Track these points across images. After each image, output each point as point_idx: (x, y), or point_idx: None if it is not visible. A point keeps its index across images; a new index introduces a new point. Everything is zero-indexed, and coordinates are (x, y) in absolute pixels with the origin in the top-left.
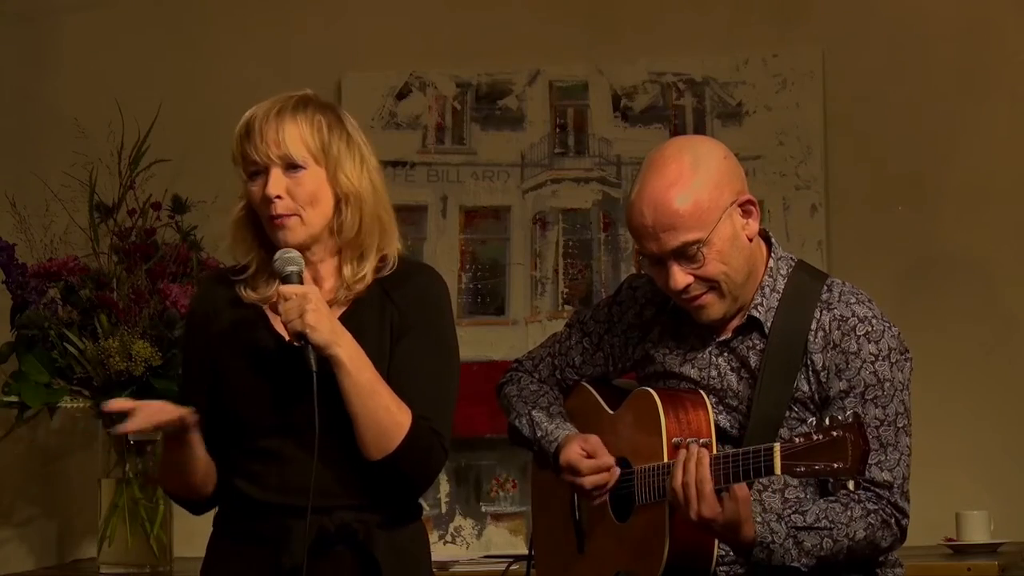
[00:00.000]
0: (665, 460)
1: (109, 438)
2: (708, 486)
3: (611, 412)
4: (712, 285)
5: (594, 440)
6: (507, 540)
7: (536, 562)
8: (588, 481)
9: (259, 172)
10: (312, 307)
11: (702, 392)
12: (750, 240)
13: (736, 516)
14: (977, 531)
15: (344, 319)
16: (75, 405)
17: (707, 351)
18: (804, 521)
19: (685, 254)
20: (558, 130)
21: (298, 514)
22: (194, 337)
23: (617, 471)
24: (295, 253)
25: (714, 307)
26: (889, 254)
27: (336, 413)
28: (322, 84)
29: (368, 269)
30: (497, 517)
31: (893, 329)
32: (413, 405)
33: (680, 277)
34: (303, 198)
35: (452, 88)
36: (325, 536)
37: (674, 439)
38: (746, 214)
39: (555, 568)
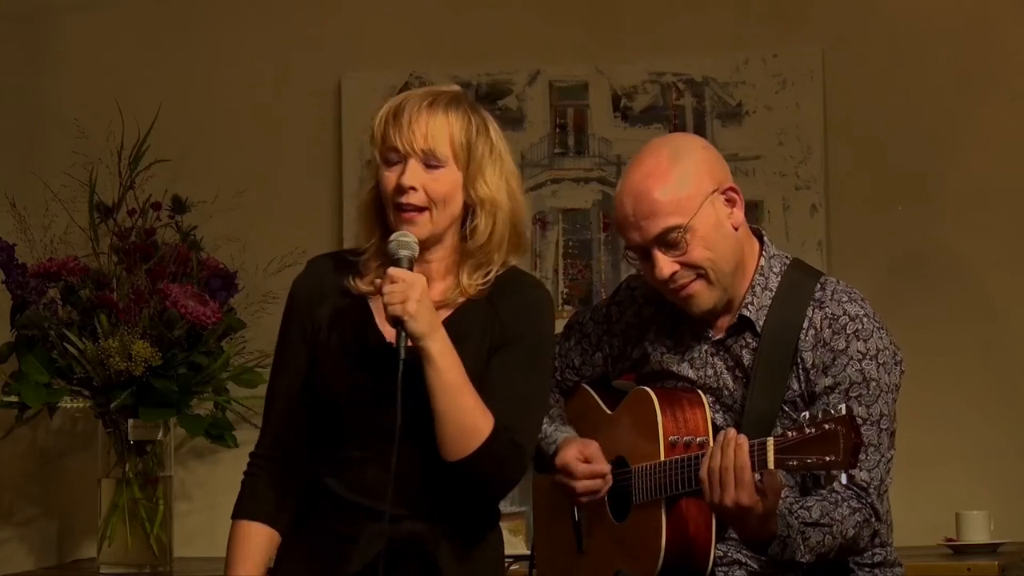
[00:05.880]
0: (662, 459)
1: (109, 438)
2: (748, 473)
3: (609, 412)
4: (699, 272)
5: (593, 446)
6: (507, 540)
7: (536, 562)
8: (580, 485)
9: (395, 160)
10: (416, 296)
11: (699, 391)
12: (736, 229)
13: (772, 507)
14: (977, 531)
15: (448, 322)
16: (75, 405)
17: (703, 350)
18: (810, 517)
19: (667, 241)
20: (558, 130)
21: (374, 517)
22: (295, 320)
23: (610, 480)
24: (412, 239)
25: (703, 296)
26: (889, 254)
27: (420, 419)
28: (322, 84)
29: (489, 279)
30: None
31: (884, 331)
32: (498, 415)
33: (665, 265)
34: (436, 195)
35: None
36: (396, 543)
37: (671, 437)
38: (730, 203)
39: (556, 568)
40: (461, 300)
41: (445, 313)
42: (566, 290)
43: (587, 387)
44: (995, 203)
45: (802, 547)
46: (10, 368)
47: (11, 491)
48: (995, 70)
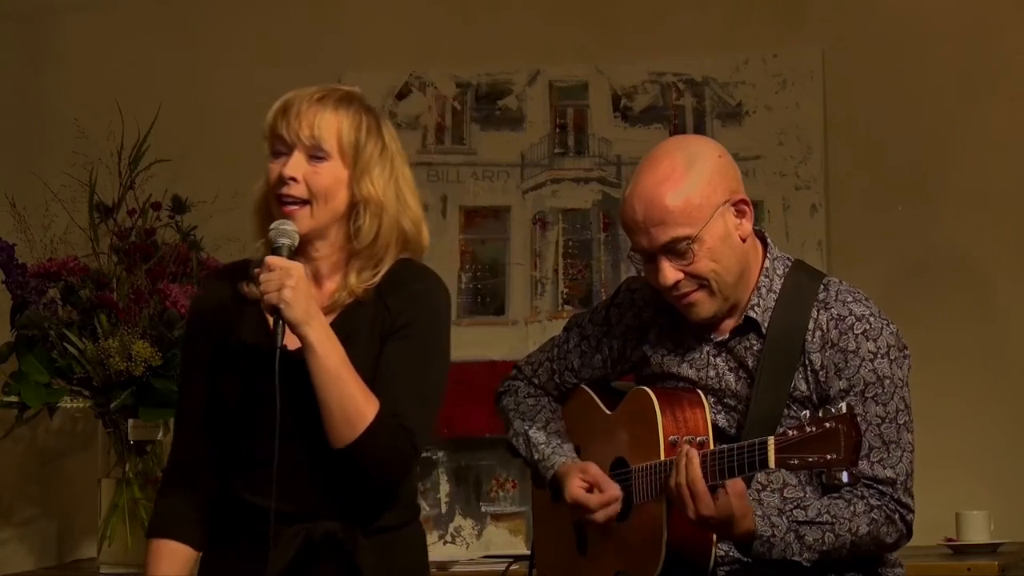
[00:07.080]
0: (662, 459)
1: (109, 438)
2: (700, 485)
3: (609, 413)
4: (702, 283)
5: (593, 471)
6: (507, 540)
7: (536, 562)
8: (600, 516)
9: (283, 152)
10: (292, 283)
11: (699, 391)
12: (743, 240)
13: (731, 511)
14: (977, 531)
15: (338, 322)
16: (75, 405)
17: (704, 352)
18: (806, 516)
19: (674, 250)
20: (558, 130)
21: (286, 520)
22: (192, 338)
23: (621, 496)
24: (292, 227)
25: (703, 305)
26: (889, 254)
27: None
28: (322, 84)
29: (376, 280)
30: (497, 517)
31: (891, 326)
32: (385, 401)
33: (669, 273)
34: (317, 189)
35: (452, 88)
36: (311, 544)
37: (671, 437)
38: (740, 214)
39: (556, 568)
40: (348, 301)
41: (331, 317)
42: (566, 290)
43: (586, 388)
44: (995, 203)
45: (795, 546)
46: (10, 368)
47: (11, 491)
48: (995, 70)
